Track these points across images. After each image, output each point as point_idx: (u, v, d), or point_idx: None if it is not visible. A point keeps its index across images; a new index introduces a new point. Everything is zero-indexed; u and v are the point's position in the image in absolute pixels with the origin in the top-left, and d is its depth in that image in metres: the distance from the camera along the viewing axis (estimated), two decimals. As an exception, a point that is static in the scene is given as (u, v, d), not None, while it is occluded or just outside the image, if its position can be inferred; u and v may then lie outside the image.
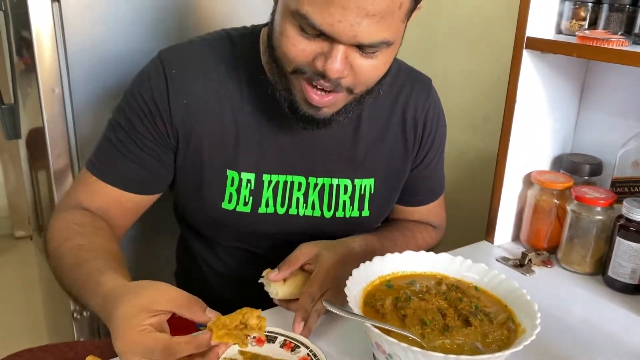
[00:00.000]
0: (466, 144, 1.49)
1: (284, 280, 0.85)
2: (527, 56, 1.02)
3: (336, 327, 0.84)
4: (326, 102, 0.76)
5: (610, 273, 1.01)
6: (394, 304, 0.74)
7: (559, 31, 1.05)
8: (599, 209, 1.02)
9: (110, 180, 0.87)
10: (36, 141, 1.40)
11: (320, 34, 0.70)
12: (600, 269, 1.05)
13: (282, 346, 0.78)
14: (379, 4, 0.67)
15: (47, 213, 1.49)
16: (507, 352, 0.65)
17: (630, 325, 0.92)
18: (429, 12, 1.53)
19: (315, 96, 0.75)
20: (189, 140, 0.86)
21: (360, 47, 0.72)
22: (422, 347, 0.67)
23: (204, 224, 0.95)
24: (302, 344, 0.77)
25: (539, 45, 1.00)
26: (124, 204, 0.88)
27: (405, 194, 1.01)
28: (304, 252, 0.87)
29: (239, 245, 0.97)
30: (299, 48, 0.73)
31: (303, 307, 0.80)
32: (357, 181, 0.93)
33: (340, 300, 0.75)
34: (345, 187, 0.92)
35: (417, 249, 0.86)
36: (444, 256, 0.84)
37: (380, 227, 1.04)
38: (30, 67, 1.31)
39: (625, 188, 1.04)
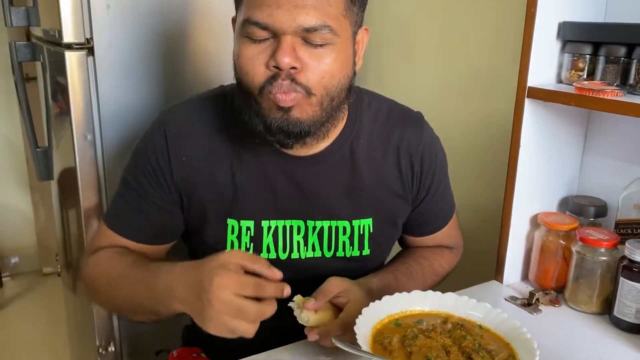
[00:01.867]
0: (475, 187, 1.54)
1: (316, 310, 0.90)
2: (529, 104, 1.08)
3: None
4: (290, 100, 0.81)
5: (615, 313, 1.03)
6: (402, 342, 0.79)
7: (559, 80, 1.10)
8: (603, 250, 1.06)
9: (124, 234, 0.95)
10: (68, 181, 1.49)
11: (267, 34, 0.79)
12: (606, 308, 1.07)
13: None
14: None
15: (76, 250, 1.57)
16: (506, 388, 0.68)
17: (635, 364, 0.94)
18: (443, 62, 1.61)
19: (279, 95, 0.80)
20: (190, 194, 0.93)
21: (305, 38, 0.79)
22: (427, 383, 0.71)
23: None
24: (316, 378, 0.82)
25: (540, 95, 1.05)
26: (144, 253, 0.96)
27: (416, 226, 1.06)
28: (336, 284, 0.91)
29: None
30: (253, 59, 0.81)
31: (327, 329, 0.84)
32: (355, 222, 0.97)
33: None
34: (344, 228, 0.96)
35: (434, 276, 0.91)
36: (450, 295, 0.88)
37: (396, 259, 1.08)
38: (64, 111, 1.41)
39: (628, 229, 1.08)
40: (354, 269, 0.99)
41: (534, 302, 1.10)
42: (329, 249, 0.97)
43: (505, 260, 1.17)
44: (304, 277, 0.95)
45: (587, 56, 1.05)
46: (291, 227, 0.95)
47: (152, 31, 1.30)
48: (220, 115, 0.95)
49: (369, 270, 1.02)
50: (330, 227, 0.96)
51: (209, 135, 0.93)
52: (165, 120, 0.94)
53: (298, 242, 0.96)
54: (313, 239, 0.96)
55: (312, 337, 0.85)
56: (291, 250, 0.96)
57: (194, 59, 1.38)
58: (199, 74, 1.38)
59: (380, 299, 0.83)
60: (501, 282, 1.18)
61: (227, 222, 0.94)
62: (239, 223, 0.94)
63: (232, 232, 0.94)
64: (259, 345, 0.90)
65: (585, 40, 1.04)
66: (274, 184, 0.94)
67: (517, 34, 1.09)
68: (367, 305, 0.87)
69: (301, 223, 0.96)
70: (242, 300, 0.72)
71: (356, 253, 0.98)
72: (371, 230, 0.98)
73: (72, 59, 1.27)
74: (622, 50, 0.99)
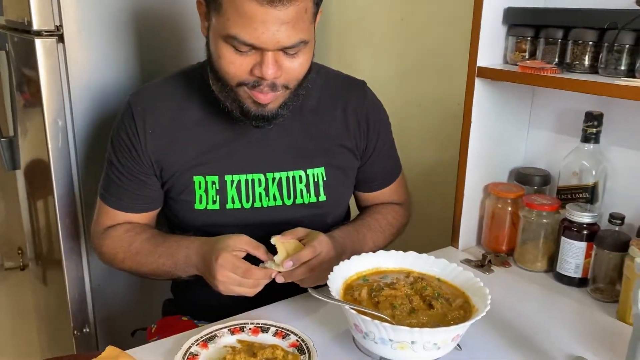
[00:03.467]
0: (431, 161, 1.65)
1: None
2: (479, 83, 1.18)
3: (321, 319, 0.98)
4: (269, 98, 0.94)
5: (558, 269, 1.15)
6: (369, 294, 0.87)
7: (505, 61, 1.21)
8: (546, 213, 1.17)
9: (120, 208, 1.09)
10: (36, 171, 1.51)
11: (251, 48, 0.88)
12: (550, 266, 1.19)
13: (274, 335, 0.90)
14: (290, 12, 0.86)
15: (47, 241, 1.59)
16: (462, 325, 0.78)
17: (574, 312, 1.06)
18: (401, 45, 1.71)
19: (261, 95, 0.93)
20: (161, 161, 1.05)
21: (284, 50, 0.89)
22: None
23: (184, 224, 1.10)
24: (292, 332, 0.90)
25: (488, 74, 1.16)
26: (139, 220, 1.09)
27: (365, 182, 1.18)
28: (302, 229, 1.02)
29: None
30: (236, 64, 0.91)
31: (299, 255, 0.93)
32: (309, 171, 1.08)
33: (322, 280, 0.92)
34: (300, 177, 1.07)
35: (390, 227, 1.07)
36: (411, 254, 0.97)
37: (354, 219, 1.19)
38: (30, 102, 1.43)
39: (568, 195, 1.20)
40: (313, 215, 1.09)
41: (486, 263, 1.21)
42: (289, 197, 1.07)
43: (460, 227, 1.27)
44: (268, 223, 1.06)
45: (529, 38, 1.16)
46: (252, 180, 1.06)
47: (121, 15, 1.34)
48: (180, 90, 1.06)
49: (328, 218, 1.12)
50: (287, 178, 1.07)
51: (171, 108, 1.05)
52: (131, 101, 1.05)
53: (260, 193, 1.06)
54: (273, 189, 1.06)
55: (287, 265, 0.93)
56: (254, 200, 1.06)
57: (166, 42, 1.42)
58: (171, 55, 1.42)
59: (342, 245, 0.94)
60: (457, 247, 1.29)
61: (194, 179, 1.04)
62: (205, 178, 1.04)
63: (200, 187, 1.04)
64: (240, 307, 1.00)
65: (527, 24, 1.15)
66: (234, 143, 1.05)
67: (467, 19, 1.18)
68: (330, 246, 0.97)
69: (261, 176, 1.06)
70: (237, 276, 0.91)
71: (313, 199, 1.08)
72: (324, 178, 1.09)
73: (42, 46, 1.29)
74: (560, 33, 1.10)
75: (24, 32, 1.35)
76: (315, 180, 1.08)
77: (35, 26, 1.28)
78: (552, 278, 1.18)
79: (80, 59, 1.33)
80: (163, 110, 1.05)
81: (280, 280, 0.94)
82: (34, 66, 1.31)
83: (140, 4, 1.36)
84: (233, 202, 1.05)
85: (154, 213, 1.11)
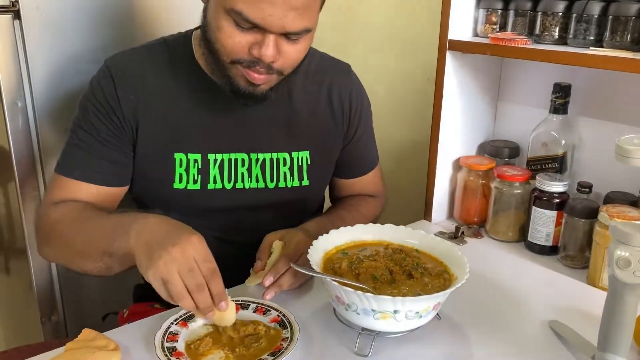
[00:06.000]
0: (402, 138, 1.66)
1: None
2: (449, 56, 1.18)
3: (302, 294, 0.97)
4: (263, 79, 0.90)
5: (530, 238, 1.18)
6: (350, 266, 0.87)
7: (475, 34, 1.22)
8: (517, 184, 1.19)
9: (82, 177, 0.97)
10: (-5, 159, 1.45)
11: (253, 27, 0.84)
12: (521, 236, 1.22)
13: (254, 311, 0.89)
14: (301, 0, 0.83)
15: (7, 231, 1.53)
16: (443, 293, 0.78)
17: (546, 279, 1.09)
18: (367, 20, 1.70)
19: (255, 75, 0.89)
20: (140, 130, 0.98)
21: (287, 35, 0.86)
22: (375, 296, 0.80)
23: (161, 205, 1.03)
24: (272, 308, 0.89)
25: (459, 47, 1.16)
26: (101, 198, 0.98)
27: (344, 167, 1.16)
28: (271, 236, 1.00)
29: (195, 224, 1.05)
30: (235, 40, 0.86)
31: (276, 268, 0.93)
32: (294, 154, 1.05)
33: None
34: (284, 159, 1.05)
35: (362, 218, 1.03)
36: (389, 226, 0.98)
37: (327, 211, 1.18)
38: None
39: (538, 166, 1.22)
40: (295, 200, 1.08)
41: (459, 235, 1.23)
42: (272, 180, 1.04)
43: (433, 200, 1.29)
44: (249, 206, 1.03)
45: (499, 11, 1.17)
46: (236, 159, 1.02)
47: (81, -8, 1.28)
48: (163, 60, 1.00)
49: (308, 203, 1.11)
50: (272, 159, 1.04)
51: (154, 76, 0.99)
52: (110, 65, 0.99)
53: (242, 174, 1.03)
54: (256, 170, 1.04)
55: (268, 281, 0.92)
56: (235, 181, 1.02)
57: (128, 16, 1.36)
58: (134, 30, 1.37)
59: (316, 237, 0.91)
60: (430, 220, 1.30)
61: (175, 156, 0.99)
62: (186, 156, 0.99)
63: (180, 165, 0.99)
64: None
65: (496, -4, 1.16)
66: (217, 120, 1.01)
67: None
68: (306, 241, 0.95)
69: (245, 156, 1.03)
70: (178, 279, 0.75)
71: (296, 183, 1.06)
72: (309, 162, 1.07)
73: (-4, 22, 1.23)
74: (529, 4, 1.12)
75: (-22, 10, 1.28)
76: (300, 164, 1.06)
77: (-11, 2, 1.21)
78: (524, 247, 1.20)
79: (38, 37, 1.27)
80: (145, 78, 0.98)
81: (270, 296, 0.92)
82: (-11, 45, 1.25)
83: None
84: (215, 182, 1.01)
85: (118, 193, 1.01)
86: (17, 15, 1.24)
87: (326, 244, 0.92)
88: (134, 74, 0.98)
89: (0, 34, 1.24)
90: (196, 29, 1.03)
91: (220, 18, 0.86)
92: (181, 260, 0.75)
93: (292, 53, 0.90)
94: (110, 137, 0.97)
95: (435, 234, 1.23)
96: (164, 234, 0.79)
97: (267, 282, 0.92)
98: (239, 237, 1.08)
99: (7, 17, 1.24)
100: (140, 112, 0.97)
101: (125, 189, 1.03)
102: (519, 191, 1.20)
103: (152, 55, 1.01)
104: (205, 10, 0.93)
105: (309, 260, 0.84)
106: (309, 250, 0.86)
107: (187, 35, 1.03)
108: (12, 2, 1.23)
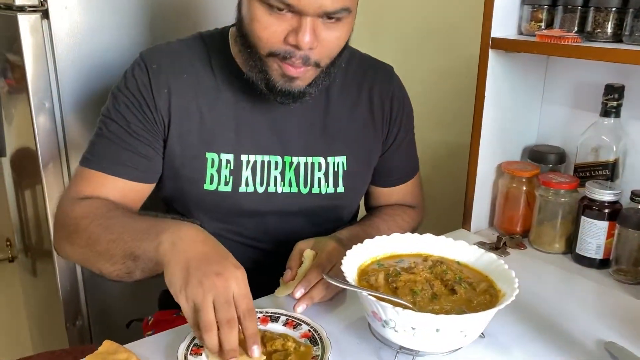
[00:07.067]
0: (439, 142, 1.59)
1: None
2: (492, 55, 1.11)
3: (334, 307, 0.91)
4: (300, 72, 0.85)
5: (578, 250, 1.10)
6: (386, 279, 0.81)
7: (520, 32, 1.14)
8: (563, 192, 1.11)
9: (110, 171, 0.92)
10: (24, 159, 1.43)
11: (288, 10, 0.80)
12: (568, 247, 1.14)
13: (284, 324, 0.84)
14: None
15: (35, 232, 1.51)
16: (491, 311, 0.72)
17: (597, 295, 1.01)
18: (403, 17, 1.63)
19: (292, 68, 0.85)
20: (172, 126, 0.94)
21: (325, 17, 0.81)
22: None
23: (190, 207, 1.00)
24: (304, 322, 0.84)
25: (503, 45, 1.09)
26: (126, 194, 0.93)
27: (382, 174, 1.09)
28: (302, 244, 0.95)
29: (224, 229, 1.01)
30: (270, 30, 0.82)
31: (308, 279, 0.87)
32: (330, 158, 1.00)
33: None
34: (320, 164, 1.00)
35: (398, 229, 0.96)
36: (428, 236, 0.91)
37: (361, 220, 1.11)
38: (14, 88, 1.35)
39: (586, 172, 1.14)
40: (328, 207, 1.02)
41: (501, 245, 1.15)
42: (305, 185, 0.99)
43: (473, 208, 1.22)
44: (280, 211, 0.98)
45: (546, 7, 1.09)
46: (269, 162, 0.97)
47: (110, -10, 1.26)
48: (199, 56, 0.97)
49: (344, 211, 1.05)
50: (306, 164, 0.99)
51: (189, 71, 0.95)
52: (145, 57, 0.95)
53: (275, 177, 0.98)
54: (290, 174, 0.98)
55: (298, 293, 0.87)
56: (268, 184, 0.98)
57: (158, 14, 1.33)
58: (163, 28, 1.34)
59: (349, 246, 0.85)
60: (469, 229, 1.23)
61: (207, 156, 0.95)
62: (219, 156, 0.95)
63: (212, 166, 0.95)
64: None
65: (544, -9, 1.09)
66: (252, 120, 0.96)
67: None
68: (339, 250, 0.90)
69: (278, 158, 0.98)
70: (211, 309, 0.70)
71: (331, 190, 1.00)
72: (345, 168, 1.01)
73: (25, 22, 1.21)
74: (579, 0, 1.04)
75: (7, 9, 1.26)
76: (335, 169, 1.00)
77: (18, 1, 1.20)
78: (571, 260, 1.12)
79: (66, 36, 1.25)
80: (180, 72, 0.94)
81: (302, 309, 0.86)
82: (17, 45, 1.23)
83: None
84: (247, 184, 0.97)
85: (145, 190, 0.96)
86: (45, 14, 1.22)
87: (361, 254, 0.86)
88: (169, 67, 0.94)
89: (29, 34, 1.23)
90: (232, 26, 0.98)
91: (254, 7, 0.82)
92: (221, 291, 0.70)
93: (331, 40, 0.84)
94: (140, 130, 0.92)
95: (475, 244, 1.16)
96: (205, 257, 0.73)
97: (298, 294, 0.87)
98: (267, 244, 1.03)
99: (35, 17, 1.22)
100: (174, 106, 0.93)
101: (152, 186, 0.98)
102: (565, 200, 1.12)
103: (188, 50, 0.97)
104: (239, 5, 0.89)
105: (342, 272, 0.79)
106: (342, 261, 0.80)
107: (224, 32, 0.99)
108: (41, 1, 1.21)
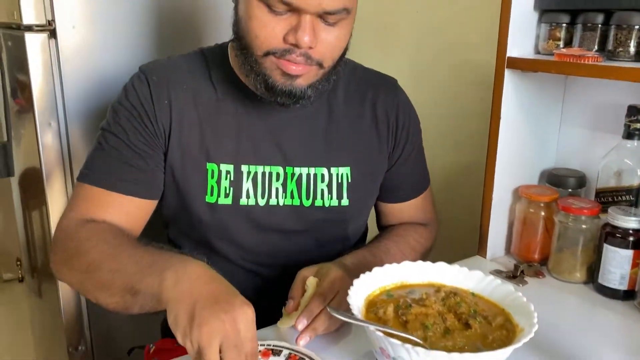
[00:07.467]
0: (453, 164, 1.54)
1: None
2: (508, 75, 1.07)
3: (340, 339, 0.86)
4: (301, 70, 0.83)
5: (600, 280, 1.04)
6: (396, 311, 0.76)
7: (537, 51, 1.10)
8: (584, 218, 1.06)
9: (109, 186, 0.88)
10: (31, 179, 1.42)
11: (287, 9, 0.79)
12: (590, 277, 1.08)
13: (287, 359, 0.79)
14: None
15: (41, 253, 1.49)
16: (508, 349, 0.67)
17: (622, 328, 0.95)
18: (418, 35, 1.60)
19: (292, 65, 0.82)
20: (172, 137, 0.92)
21: (324, 17, 0.80)
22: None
23: (191, 226, 0.96)
24: (307, 356, 0.79)
25: (520, 64, 1.05)
26: (130, 212, 0.90)
27: (390, 189, 1.05)
28: (303, 274, 0.90)
29: (226, 251, 0.97)
30: (269, 28, 0.80)
31: (310, 309, 0.83)
32: (333, 169, 0.97)
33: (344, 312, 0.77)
34: (322, 175, 0.96)
35: (411, 251, 0.91)
36: (440, 265, 0.86)
37: (371, 241, 1.07)
38: (24, 108, 1.34)
39: (609, 198, 1.08)
40: (333, 222, 0.98)
41: (518, 274, 1.10)
42: (308, 197, 0.96)
43: (488, 234, 1.16)
44: (283, 228, 0.95)
45: (564, 25, 1.05)
46: (270, 173, 0.95)
47: (118, 9, 1.25)
48: (199, 68, 0.96)
49: (349, 226, 1.01)
50: (308, 175, 0.96)
51: (188, 83, 0.94)
52: (145, 70, 0.94)
53: (277, 189, 0.95)
54: (292, 186, 0.95)
55: (301, 325, 0.83)
56: (269, 197, 0.95)
57: (163, 34, 1.32)
58: (169, 50, 1.32)
59: (356, 274, 0.81)
60: (485, 256, 1.18)
61: (207, 167, 0.92)
62: (218, 167, 0.93)
63: (212, 177, 0.92)
64: None
65: (562, 9, 1.05)
66: (253, 130, 0.94)
67: (490, 7, 1.08)
68: (342, 277, 0.85)
69: (280, 169, 0.95)
70: (217, 352, 0.66)
71: (335, 203, 0.97)
72: (349, 180, 0.98)
73: (32, 41, 1.20)
74: (600, 17, 1.00)
75: (16, 29, 1.26)
76: (339, 181, 0.97)
77: (25, 20, 1.19)
78: (593, 290, 1.06)
79: (73, 55, 1.24)
80: (180, 84, 0.93)
81: (305, 342, 0.82)
82: (25, 64, 1.22)
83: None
84: (247, 196, 0.94)
85: (148, 207, 0.93)
86: (53, 34, 1.21)
87: (369, 284, 0.81)
88: (169, 79, 0.93)
89: (36, 54, 1.21)
90: (231, 40, 0.97)
91: (252, 5, 0.81)
92: (229, 332, 0.65)
93: (331, 39, 0.83)
94: (140, 143, 0.90)
95: (491, 272, 1.11)
96: (211, 295, 0.68)
97: (300, 326, 0.82)
98: (271, 269, 0.99)
99: (43, 37, 1.21)
100: (174, 117, 0.91)
101: (153, 203, 0.94)
102: (586, 226, 1.06)
103: (188, 63, 0.96)
104: (236, 7, 0.87)
105: (347, 302, 0.74)
106: (349, 292, 0.76)
107: (224, 45, 0.98)
108: (49, 20, 1.20)
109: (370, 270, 0.84)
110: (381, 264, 0.89)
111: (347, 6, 0.81)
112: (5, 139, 1.57)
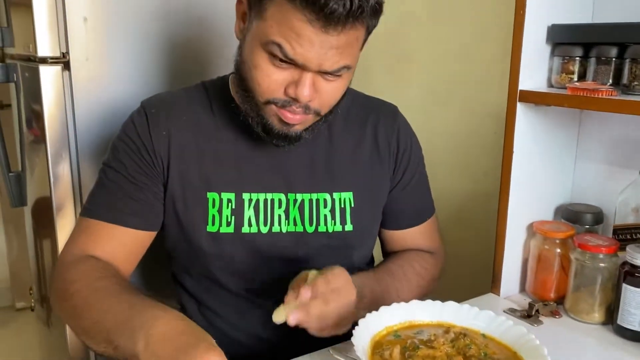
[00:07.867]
0: (465, 198, 1.51)
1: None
2: (521, 109, 1.05)
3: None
4: (298, 119, 0.85)
5: (619, 322, 0.99)
6: (403, 353, 0.73)
7: (550, 85, 1.09)
8: (602, 256, 1.02)
9: (107, 219, 0.90)
10: (42, 209, 1.42)
11: (290, 64, 0.80)
12: (609, 318, 1.03)
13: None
14: (341, 39, 0.78)
15: (51, 283, 1.49)
16: (519, 397, 0.63)
17: (644, 373, 0.90)
18: (430, 68, 1.60)
19: (290, 115, 0.84)
20: (172, 168, 0.92)
21: (325, 73, 0.81)
22: (432, 395, 0.65)
23: (193, 258, 0.95)
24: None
25: (532, 98, 1.03)
26: (127, 244, 0.91)
27: (392, 215, 1.04)
28: (305, 272, 0.87)
29: (229, 284, 0.96)
30: (272, 78, 0.81)
31: (302, 299, 0.79)
32: (335, 194, 0.96)
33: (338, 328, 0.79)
34: (325, 201, 0.95)
35: (417, 276, 0.90)
36: (450, 304, 0.83)
37: (375, 266, 1.05)
38: (38, 138, 1.35)
39: (627, 235, 1.05)
40: (337, 249, 0.96)
41: (533, 313, 1.06)
42: (311, 223, 0.95)
43: (502, 271, 1.13)
44: (286, 256, 0.94)
45: (578, 58, 1.04)
46: (272, 200, 0.94)
47: (131, 43, 1.26)
48: (200, 99, 0.97)
49: (354, 253, 0.99)
50: (311, 200, 0.95)
51: (187, 114, 0.95)
52: (144, 105, 0.96)
53: (279, 216, 0.94)
54: (294, 212, 0.95)
55: (294, 320, 0.79)
56: (272, 224, 0.94)
57: (174, 72, 1.34)
58: (181, 83, 1.33)
59: (361, 289, 0.80)
60: (498, 294, 1.14)
61: (208, 196, 0.92)
62: (219, 195, 0.92)
63: (213, 206, 0.92)
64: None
65: (575, 42, 1.03)
66: (253, 157, 0.95)
67: (503, 40, 1.07)
68: (342, 273, 0.83)
69: (282, 196, 0.95)
70: None
71: (338, 228, 0.96)
72: (352, 205, 0.97)
73: (46, 73, 1.22)
74: (614, 51, 0.98)
75: (30, 60, 1.28)
76: (342, 205, 0.96)
77: (40, 53, 1.21)
78: (612, 332, 1.01)
79: (85, 87, 1.25)
80: (179, 115, 0.94)
81: (294, 318, 0.78)
82: (39, 96, 1.24)
83: (152, 30, 1.28)
84: (250, 224, 0.93)
85: (146, 239, 0.93)
86: (66, 66, 1.23)
87: (375, 323, 0.78)
88: (168, 110, 0.94)
89: (49, 86, 1.23)
90: (232, 73, 0.98)
91: (256, 54, 0.81)
92: None
93: (330, 91, 0.84)
94: (138, 175, 0.91)
95: (504, 311, 1.07)
96: (175, 350, 0.66)
97: (293, 321, 0.78)
98: (273, 300, 0.95)
99: (56, 69, 1.22)
100: (173, 148, 0.92)
101: (152, 235, 0.95)
102: (604, 265, 1.02)
103: (188, 95, 0.98)
104: (240, 47, 0.88)
105: (352, 343, 0.71)
106: (354, 332, 0.73)
107: (225, 77, 0.99)
108: (63, 53, 1.22)
109: (373, 290, 0.84)
110: (386, 287, 0.87)
111: (347, 64, 0.82)
112: (20, 168, 1.59)
